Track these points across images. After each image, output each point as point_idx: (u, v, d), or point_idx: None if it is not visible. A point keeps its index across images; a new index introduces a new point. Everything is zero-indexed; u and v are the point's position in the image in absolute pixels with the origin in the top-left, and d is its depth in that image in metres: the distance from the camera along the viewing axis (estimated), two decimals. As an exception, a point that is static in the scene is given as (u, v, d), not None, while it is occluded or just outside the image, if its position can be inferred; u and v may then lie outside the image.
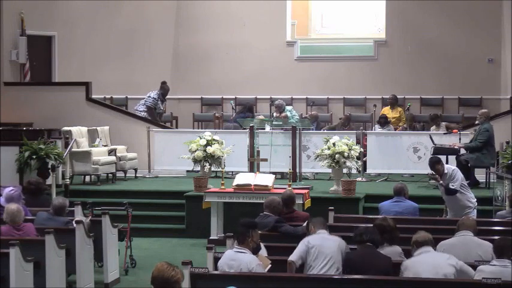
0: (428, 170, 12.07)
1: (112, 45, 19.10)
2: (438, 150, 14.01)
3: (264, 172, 13.03)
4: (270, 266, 7.61)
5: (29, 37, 17.45)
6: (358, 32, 20.43)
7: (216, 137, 13.87)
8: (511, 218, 10.09)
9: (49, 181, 13.25)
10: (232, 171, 14.98)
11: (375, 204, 12.04)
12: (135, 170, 16.15)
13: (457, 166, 13.00)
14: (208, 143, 13.67)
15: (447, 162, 13.27)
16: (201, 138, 13.74)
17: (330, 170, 13.62)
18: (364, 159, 15.12)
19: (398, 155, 15.32)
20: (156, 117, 17.23)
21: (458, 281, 7.02)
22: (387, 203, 10.76)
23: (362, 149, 14.57)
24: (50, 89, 17.16)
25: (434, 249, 7.53)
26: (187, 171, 15.46)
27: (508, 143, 14.05)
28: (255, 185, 12.23)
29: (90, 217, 10.14)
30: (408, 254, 7.83)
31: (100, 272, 10.05)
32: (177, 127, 18.61)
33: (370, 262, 7.37)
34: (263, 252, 7.99)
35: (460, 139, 14.51)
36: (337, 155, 13.03)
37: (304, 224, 9.09)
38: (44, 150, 13.42)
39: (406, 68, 19.27)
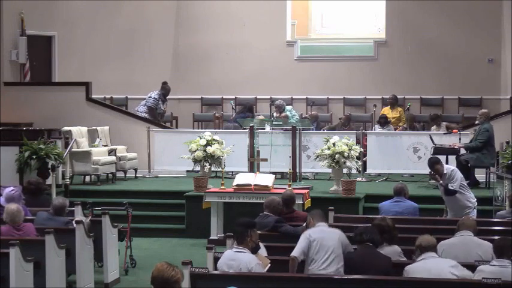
0: (428, 170, 12.07)
1: (112, 45, 19.11)
2: (438, 150, 14.01)
3: (264, 172, 13.03)
4: (269, 265, 7.61)
5: (29, 37, 17.45)
6: (358, 32, 20.43)
7: (216, 137, 13.87)
8: (511, 218, 10.09)
9: (49, 181, 13.25)
10: (232, 171, 14.98)
11: (375, 204, 12.04)
12: (135, 170, 16.15)
13: (457, 166, 13.01)
14: (208, 143, 13.67)
15: (447, 162, 13.28)
16: (201, 138, 13.74)
17: (330, 170, 13.63)
18: (364, 159, 15.12)
19: (398, 155, 15.33)
20: (157, 117, 17.23)
21: (458, 281, 7.02)
22: (387, 203, 10.76)
23: (362, 149, 14.57)
24: (50, 89, 17.16)
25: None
26: (187, 171, 15.46)
27: (508, 143, 14.05)
28: (255, 185, 12.23)
29: (90, 217, 10.14)
30: (407, 254, 7.84)
31: (100, 272, 10.05)
32: (177, 127, 18.62)
33: (370, 262, 7.37)
34: (263, 252, 8.00)
35: (460, 139, 14.51)
36: (337, 155, 13.03)
37: (304, 224, 9.09)
38: (44, 150, 13.42)
39: (406, 68, 19.27)
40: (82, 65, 18.57)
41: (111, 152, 15.66)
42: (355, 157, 13.22)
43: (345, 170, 13.32)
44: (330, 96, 19.51)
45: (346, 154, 13.01)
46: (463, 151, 14.29)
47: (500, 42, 18.90)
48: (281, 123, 14.59)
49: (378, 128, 16.84)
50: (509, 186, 11.82)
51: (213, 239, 12.00)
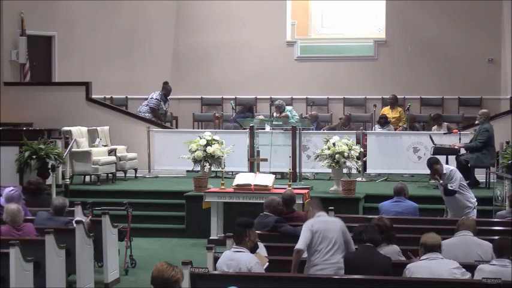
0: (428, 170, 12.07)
1: (112, 45, 19.11)
2: (438, 150, 14.02)
3: (264, 172, 13.03)
4: (267, 264, 7.61)
5: (29, 37, 17.45)
6: (358, 32, 20.43)
7: (216, 137, 13.87)
8: (511, 218, 10.09)
9: (49, 181, 13.25)
10: (232, 171, 14.98)
11: (375, 204, 12.04)
12: (135, 170, 16.16)
13: (457, 166, 13.03)
14: (208, 143, 13.67)
15: (447, 162, 13.29)
16: (201, 138, 13.74)
17: (330, 170, 13.63)
18: (364, 159, 15.12)
19: (398, 155, 15.33)
20: (160, 117, 17.24)
21: (458, 281, 7.02)
22: (387, 203, 10.76)
23: (362, 149, 14.57)
24: (50, 89, 17.16)
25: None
26: (187, 171, 15.46)
27: (508, 143, 14.05)
28: (255, 185, 12.23)
29: (90, 217, 10.14)
30: (406, 254, 7.83)
31: (100, 272, 10.05)
32: (177, 127, 18.62)
33: (370, 262, 7.36)
34: (263, 252, 8.00)
35: (460, 139, 14.51)
36: (337, 155, 13.03)
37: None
38: (44, 150, 13.42)
39: (406, 68, 19.27)
40: (82, 65, 18.57)
41: (111, 152, 15.66)
42: (355, 157, 13.22)
43: (345, 170, 13.32)
44: (330, 96, 19.51)
45: (346, 154, 13.01)
46: (463, 151, 14.29)
47: (500, 42, 18.90)
48: (281, 123, 14.59)
49: (378, 128, 16.84)
50: (509, 186, 11.82)
51: (213, 239, 12.00)
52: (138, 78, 19.14)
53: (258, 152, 13.35)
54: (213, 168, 13.87)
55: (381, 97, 19.09)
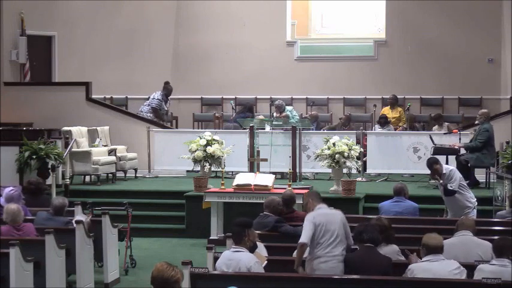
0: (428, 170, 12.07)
1: (112, 45, 19.10)
2: (438, 150, 14.02)
3: (264, 172, 13.03)
4: (266, 262, 7.62)
5: (29, 37, 17.46)
6: (358, 32, 20.43)
7: (216, 137, 13.87)
8: (511, 218, 10.09)
9: (49, 181, 13.25)
10: (232, 171, 14.98)
11: (375, 204, 12.04)
12: (135, 170, 16.16)
13: (457, 166, 13.03)
14: (208, 143, 13.67)
15: (447, 162, 13.29)
16: (201, 138, 13.74)
17: (330, 170, 13.63)
18: (364, 159, 15.13)
19: (398, 155, 15.33)
20: (162, 117, 17.25)
21: (458, 281, 7.02)
22: (387, 203, 10.76)
23: (362, 149, 14.57)
24: (50, 89, 17.17)
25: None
26: (187, 171, 15.46)
27: (508, 143, 14.05)
28: (255, 185, 12.23)
29: (90, 216, 10.14)
30: (405, 253, 7.83)
31: (100, 272, 10.05)
32: (177, 127, 18.61)
33: (371, 262, 7.35)
34: (263, 251, 8.01)
35: (460, 139, 14.51)
36: (337, 155, 13.03)
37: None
38: (44, 150, 13.42)
39: (406, 68, 19.27)
40: (82, 65, 18.57)
41: (111, 152, 15.66)
42: (355, 157, 13.22)
43: (345, 170, 13.32)
44: (330, 96, 19.51)
45: (346, 154, 13.01)
46: (463, 151, 14.29)
47: (500, 42, 18.90)
48: (281, 123, 14.59)
49: (378, 128, 16.84)
50: (509, 186, 11.82)
51: (213, 239, 12.00)
52: (138, 78, 19.14)
53: (258, 152, 13.35)
54: (213, 168, 13.87)
55: (381, 97, 19.09)
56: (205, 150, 13.60)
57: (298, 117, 16.01)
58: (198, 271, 6.98)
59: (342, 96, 19.50)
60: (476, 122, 14.95)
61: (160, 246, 12.59)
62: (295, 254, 8.16)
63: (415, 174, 15.45)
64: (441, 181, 11.10)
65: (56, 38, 18.37)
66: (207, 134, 13.90)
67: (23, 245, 8.04)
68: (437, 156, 12.10)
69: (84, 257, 9.27)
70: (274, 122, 14.57)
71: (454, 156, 14.13)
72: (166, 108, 17.49)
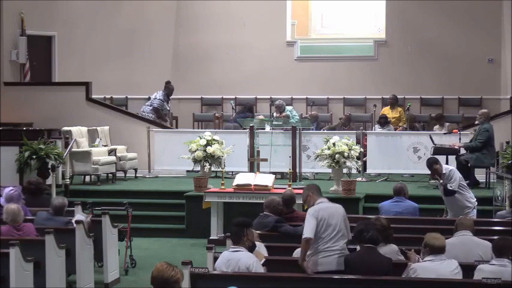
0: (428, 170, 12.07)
1: (112, 45, 19.10)
2: (438, 150, 14.02)
3: (264, 172, 13.03)
4: (264, 259, 7.63)
5: (29, 37, 17.45)
6: (358, 32, 20.43)
7: (216, 137, 13.87)
8: (511, 218, 10.09)
9: (49, 181, 13.25)
10: (232, 171, 14.98)
11: (375, 204, 12.04)
12: (135, 170, 16.16)
13: (457, 166, 13.04)
14: (208, 143, 13.67)
15: (447, 162, 13.30)
16: (201, 138, 13.74)
17: (330, 170, 13.63)
18: (364, 159, 15.13)
19: (398, 155, 15.33)
20: (164, 117, 17.24)
21: (458, 281, 7.02)
22: (387, 203, 10.76)
23: (362, 149, 14.57)
24: (50, 89, 17.17)
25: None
26: (187, 171, 15.46)
27: (508, 143, 14.05)
28: (255, 185, 12.23)
29: (90, 217, 10.14)
30: (404, 252, 7.83)
31: (100, 272, 10.05)
32: (177, 127, 18.61)
33: (371, 263, 7.33)
34: (263, 252, 8.01)
35: (460, 139, 14.51)
36: (337, 155, 13.03)
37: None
38: (44, 150, 13.42)
39: (406, 68, 19.27)
40: (82, 65, 18.57)
41: (111, 152, 15.66)
42: (355, 157, 13.22)
43: (345, 170, 13.32)
44: (330, 96, 19.51)
45: (346, 154, 13.01)
46: (463, 151, 14.29)
47: (500, 42, 18.90)
48: (281, 123, 14.59)
49: (378, 128, 16.85)
50: (509, 186, 11.82)
51: (213, 239, 12.00)
52: (138, 78, 19.14)
53: (258, 152, 13.35)
54: (213, 168, 13.87)
55: (381, 97, 19.09)
56: (205, 150, 13.60)
57: (298, 117, 16.00)
58: (198, 271, 6.98)
59: (342, 96, 19.50)
60: (476, 122, 14.95)
61: (160, 246, 12.59)
62: (295, 254, 8.17)
63: (415, 174, 15.45)
64: (441, 181, 11.11)
65: (56, 38, 18.36)
66: (207, 134, 13.90)
67: (23, 245, 8.04)
68: (437, 156, 12.11)
69: (84, 257, 9.27)
70: (274, 122, 14.57)
71: (454, 156, 14.13)
72: (168, 108, 17.49)
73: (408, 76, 19.22)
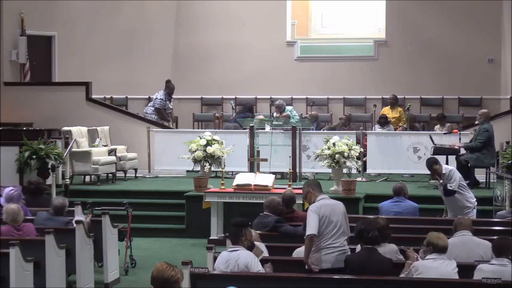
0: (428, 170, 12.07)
1: (112, 45, 19.10)
2: (438, 150, 14.02)
3: (264, 172, 13.03)
4: (262, 255, 7.63)
5: (29, 37, 17.45)
6: (358, 32, 20.43)
7: (216, 137, 13.87)
8: (511, 218, 10.10)
9: (49, 181, 13.25)
10: (232, 171, 14.98)
11: (375, 204, 12.05)
12: (135, 170, 16.16)
13: (457, 166, 13.04)
14: (208, 143, 13.67)
15: (447, 162, 13.30)
16: (201, 138, 13.74)
17: (330, 170, 13.63)
18: (364, 159, 15.13)
19: (398, 155, 15.33)
20: (166, 117, 17.24)
21: (458, 281, 7.03)
22: (387, 203, 10.77)
23: (362, 149, 14.57)
24: (50, 89, 17.16)
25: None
26: (187, 171, 15.47)
27: (508, 143, 14.06)
28: (255, 185, 12.23)
29: (90, 217, 10.14)
30: (403, 252, 7.83)
31: (100, 272, 10.05)
32: (177, 127, 18.60)
33: (371, 264, 7.32)
34: (264, 253, 8.02)
35: (460, 139, 14.51)
36: (337, 155, 13.03)
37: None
38: (44, 150, 13.42)
39: (406, 68, 19.27)
40: (82, 65, 18.57)
41: (111, 152, 15.66)
42: (355, 157, 13.22)
43: (345, 170, 13.32)
44: (330, 96, 19.51)
45: (346, 154, 13.01)
46: (463, 151, 14.29)
47: (500, 42, 18.90)
48: (281, 123, 14.58)
49: (378, 128, 16.85)
50: (509, 186, 11.82)
51: (213, 239, 12.00)
52: (138, 78, 19.14)
53: (258, 152, 13.35)
54: (213, 168, 13.88)
55: (381, 97, 19.09)
56: (205, 150, 13.60)
57: (298, 117, 16.00)
58: (198, 271, 6.99)
59: (342, 96, 19.50)
60: (476, 122, 14.95)
61: (160, 246, 12.59)
62: (295, 253, 8.18)
63: (415, 174, 15.46)
64: (441, 181, 11.10)
65: (56, 38, 18.36)
66: (207, 134, 13.90)
67: (23, 245, 8.04)
68: (437, 156, 12.12)
69: (84, 257, 9.27)
70: (274, 122, 14.56)
71: (454, 156, 14.13)
72: (171, 107, 17.49)
73: (408, 76, 19.22)
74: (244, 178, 12.45)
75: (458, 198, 11.04)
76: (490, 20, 18.92)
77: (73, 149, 14.86)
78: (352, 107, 19.58)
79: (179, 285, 5.24)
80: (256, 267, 7.28)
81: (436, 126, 17.18)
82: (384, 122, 16.81)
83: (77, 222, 9.36)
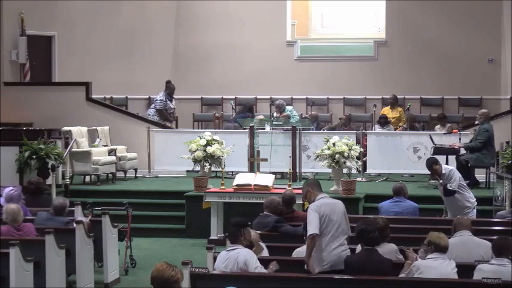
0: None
1: (112, 45, 19.10)
2: (438, 150, 14.02)
3: (264, 172, 13.03)
4: (264, 251, 7.63)
5: (29, 37, 17.45)
6: (358, 32, 20.43)
7: (216, 137, 13.87)
8: (511, 218, 10.10)
9: (49, 181, 13.25)
10: (232, 171, 14.98)
11: (375, 204, 12.04)
12: (135, 170, 16.16)
13: (457, 166, 13.04)
14: (208, 143, 13.67)
15: (447, 163, 13.30)
16: (201, 138, 13.74)
17: (330, 170, 13.63)
18: (364, 159, 15.13)
19: (398, 155, 15.33)
20: (169, 117, 17.23)
21: (458, 281, 7.03)
22: (387, 203, 10.77)
23: (362, 149, 14.57)
24: (50, 89, 17.16)
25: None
26: (187, 171, 15.47)
27: (508, 143, 14.06)
28: (255, 185, 12.23)
29: (90, 217, 10.14)
30: (403, 252, 7.83)
31: (100, 272, 10.05)
32: (177, 127, 18.59)
33: (371, 265, 7.31)
34: (265, 252, 8.02)
35: (460, 139, 14.51)
36: (337, 155, 13.03)
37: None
38: (44, 150, 13.42)
39: (406, 68, 19.27)
40: (82, 65, 18.57)
41: (111, 152, 15.66)
42: (355, 157, 13.22)
43: (345, 170, 13.32)
44: (330, 96, 19.51)
45: (346, 154, 13.01)
46: (463, 151, 14.29)
47: (500, 42, 18.90)
48: (281, 123, 14.58)
49: (378, 128, 16.85)
50: (509, 186, 11.82)
51: (213, 239, 12.00)
52: (138, 78, 19.14)
53: (258, 152, 13.35)
54: (213, 168, 13.88)
55: (381, 97, 19.09)
56: (205, 150, 13.60)
57: (298, 117, 16.00)
58: (198, 271, 6.99)
59: (342, 96, 19.50)
60: (476, 122, 14.95)
61: (160, 246, 12.59)
62: (294, 254, 8.18)
63: (415, 174, 15.46)
64: (441, 181, 11.10)
65: (56, 38, 18.36)
66: (207, 134, 13.90)
67: (23, 245, 8.04)
68: (437, 156, 12.11)
69: (84, 257, 9.27)
70: (274, 122, 14.56)
71: (454, 156, 14.13)
72: (172, 107, 17.48)
73: (408, 76, 19.22)
74: (244, 178, 12.46)
75: (458, 198, 11.04)
76: (490, 20, 18.92)
77: (73, 149, 14.86)
78: (352, 107, 19.58)
79: (179, 285, 5.24)
80: (255, 264, 7.28)
81: (436, 126, 17.19)
82: (383, 122, 16.81)
83: (77, 222, 9.36)
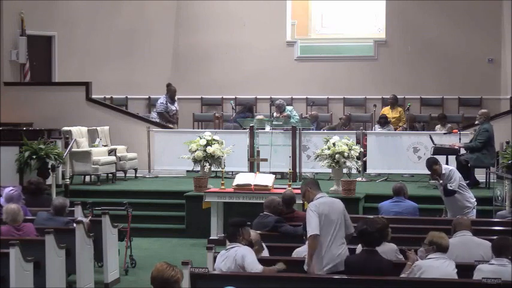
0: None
1: (112, 45, 19.10)
2: (438, 150, 14.02)
3: (264, 172, 13.03)
4: (265, 251, 7.64)
5: (29, 37, 17.45)
6: (358, 32, 20.43)
7: (216, 137, 13.87)
8: (511, 218, 10.09)
9: (49, 181, 13.25)
10: (232, 171, 14.98)
11: (375, 204, 12.04)
12: (135, 170, 16.16)
13: (457, 166, 13.04)
14: (208, 143, 13.67)
15: (447, 163, 13.30)
16: (201, 138, 13.74)
17: (330, 170, 13.63)
18: (364, 159, 15.13)
19: (398, 155, 15.33)
20: (170, 120, 17.22)
21: (458, 281, 7.03)
22: (387, 203, 10.77)
23: (362, 149, 14.57)
24: (50, 89, 17.17)
25: None
26: (187, 171, 15.47)
27: (508, 143, 14.05)
28: (255, 185, 12.23)
29: (90, 217, 10.14)
30: (403, 252, 7.83)
31: (100, 272, 10.05)
32: (177, 127, 18.60)
33: (371, 266, 7.30)
34: (265, 252, 8.02)
35: (460, 139, 14.51)
36: (337, 155, 13.03)
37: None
38: (44, 150, 13.42)
39: (406, 68, 19.27)
40: (82, 65, 18.57)
41: (111, 152, 15.66)
42: (355, 157, 13.22)
43: (345, 170, 13.32)
44: (330, 96, 19.51)
45: (346, 154, 13.01)
46: (463, 151, 14.29)
47: (500, 42, 18.90)
48: (281, 123, 14.59)
49: (378, 128, 16.85)
50: (509, 186, 11.82)
51: (213, 239, 12.00)
52: (138, 78, 19.15)
53: (258, 152, 13.35)
54: (213, 168, 13.88)
55: (381, 97, 19.09)
56: (205, 150, 13.60)
57: (298, 117, 16.00)
58: (198, 271, 6.99)
59: (342, 96, 19.50)
60: (476, 122, 14.96)
61: (160, 246, 12.60)
62: (294, 254, 8.17)
63: (415, 174, 15.45)
64: (441, 181, 11.10)
65: (56, 38, 18.37)
66: (207, 134, 13.90)
67: (23, 245, 8.04)
68: (437, 156, 12.11)
69: (84, 257, 9.27)
70: (274, 122, 14.57)
71: (454, 156, 14.13)
72: (174, 109, 17.47)
73: (408, 76, 19.22)
74: (244, 178, 12.46)
75: (458, 198, 11.04)
76: (490, 20, 18.92)
77: (73, 149, 14.86)
78: (352, 107, 19.58)
79: (179, 285, 5.24)
80: (251, 259, 7.27)
81: (436, 126, 17.20)
82: (383, 122, 16.81)
83: (77, 222, 9.36)
